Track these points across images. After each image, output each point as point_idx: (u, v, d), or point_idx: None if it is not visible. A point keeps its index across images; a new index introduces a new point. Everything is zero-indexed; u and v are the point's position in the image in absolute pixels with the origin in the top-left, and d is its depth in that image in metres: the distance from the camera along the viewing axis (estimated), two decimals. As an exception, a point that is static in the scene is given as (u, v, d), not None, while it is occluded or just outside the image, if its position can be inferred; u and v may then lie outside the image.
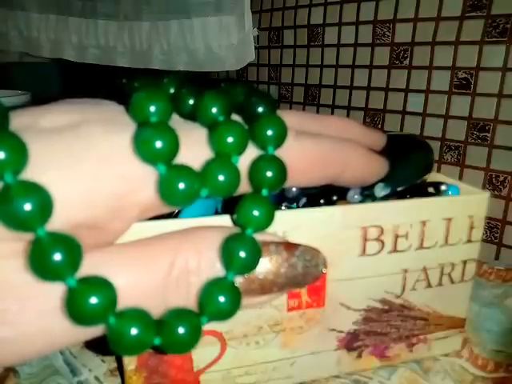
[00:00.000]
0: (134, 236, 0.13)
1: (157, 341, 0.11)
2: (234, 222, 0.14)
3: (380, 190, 0.21)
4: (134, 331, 0.11)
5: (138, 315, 0.11)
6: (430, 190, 0.22)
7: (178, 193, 0.12)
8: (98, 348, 0.24)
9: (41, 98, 0.14)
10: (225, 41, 0.63)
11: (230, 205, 0.14)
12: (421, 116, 0.52)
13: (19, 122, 0.11)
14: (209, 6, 0.64)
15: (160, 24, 0.69)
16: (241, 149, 0.13)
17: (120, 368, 0.23)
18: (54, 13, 0.80)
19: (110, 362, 0.23)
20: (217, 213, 0.21)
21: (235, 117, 0.14)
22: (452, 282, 0.22)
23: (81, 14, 0.78)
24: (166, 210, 0.13)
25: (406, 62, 0.52)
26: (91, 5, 0.76)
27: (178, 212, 0.19)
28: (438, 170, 0.51)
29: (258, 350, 0.20)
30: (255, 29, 0.61)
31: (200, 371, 0.19)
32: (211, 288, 0.12)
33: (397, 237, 0.20)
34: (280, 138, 0.13)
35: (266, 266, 0.13)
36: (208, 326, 0.18)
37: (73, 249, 0.10)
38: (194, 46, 0.67)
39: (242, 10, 0.60)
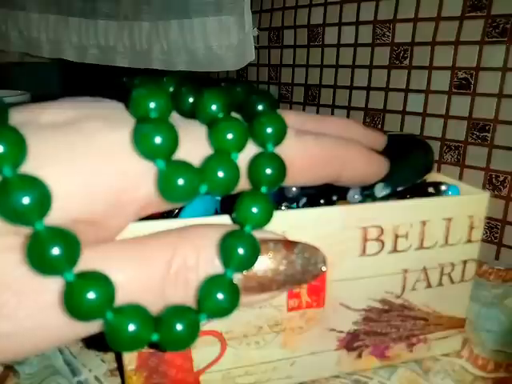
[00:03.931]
0: (133, 235, 0.13)
1: (154, 337, 0.11)
2: (233, 220, 0.14)
3: (380, 190, 0.21)
4: (131, 327, 0.11)
5: (135, 311, 0.11)
6: (430, 190, 0.22)
7: (177, 189, 0.12)
8: (97, 345, 0.24)
9: (40, 97, 0.14)
10: (225, 41, 0.63)
11: (228, 204, 0.14)
12: (421, 116, 0.52)
13: (20, 117, 0.11)
14: (209, 6, 0.64)
15: (160, 24, 0.69)
16: (240, 145, 0.13)
17: (120, 368, 0.23)
18: (54, 13, 0.80)
19: (110, 362, 0.23)
20: (217, 214, 0.21)
21: (235, 115, 0.14)
22: (452, 282, 0.22)
23: (81, 14, 0.78)
24: (166, 206, 0.13)
25: (406, 62, 0.52)
26: (91, 5, 0.76)
27: (178, 212, 0.19)
28: (438, 170, 0.51)
29: (258, 350, 0.20)
30: (255, 29, 0.61)
31: (200, 371, 0.19)
32: (210, 285, 0.12)
33: (397, 237, 0.20)
34: (279, 136, 0.13)
35: (264, 263, 0.13)
36: (208, 326, 0.18)
37: (71, 243, 0.10)
38: (194, 46, 0.67)
39: (241, 10, 0.60)
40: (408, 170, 0.22)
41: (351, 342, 0.21)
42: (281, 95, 0.68)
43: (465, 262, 0.22)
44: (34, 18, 0.82)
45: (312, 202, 0.21)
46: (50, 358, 0.24)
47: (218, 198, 0.21)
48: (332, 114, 0.62)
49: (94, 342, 0.24)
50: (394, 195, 0.21)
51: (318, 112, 0.63)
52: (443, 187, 0.22)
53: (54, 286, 0.11)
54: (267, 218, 0.13)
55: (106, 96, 0.14)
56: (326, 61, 0.61)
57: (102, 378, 0.22)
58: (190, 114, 0.13)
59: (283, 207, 0.21)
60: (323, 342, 0.21)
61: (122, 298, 0.11)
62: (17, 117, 0.11)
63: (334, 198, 0.21)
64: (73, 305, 0.10)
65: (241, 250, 0.12)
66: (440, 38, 0.49)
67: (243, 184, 0.13)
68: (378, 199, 0.21)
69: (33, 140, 0.11)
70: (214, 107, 0.13)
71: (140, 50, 0.73)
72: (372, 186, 0.20)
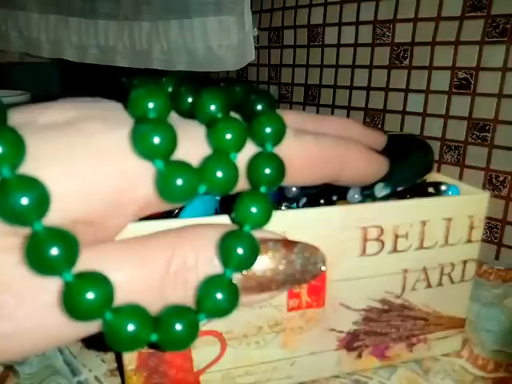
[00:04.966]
0: (133, 235, 0.13)
1: (154, 337, 0.11)
2: (232, 220, 0.14)
3: (380, 190, 0.21)
4: (130, 327, 0.11)
5: (134, 311, 0.11)
6: (430, 190, 0.22)
7: (175, 189, 0.12)
8: (97, 345, 0.24)
9: (40, 97, 0.14)
10: (225, 41, 0.63)
11: (227, 204, 0.14)
12: (421, 116, 0.52)
13: (19, 118, 0.12)
14: (209, 6, 0.64)
15: (160, 24, 0.69)
16: (239, 145, 0.13)
17: (120, 368, 0.23)
18: (54, 13, 0.80)
19: (110, 362, 0.23)
20: (216, 213, 0.21)
21: (234, 115, 0.14)
22: (452, 282, 0.22)
23: (81, 14, 0.78)
24: (165, 207, 0.13)
25: (406, 62, 0.52)
26: (91, 5, 0.76)
27: (178, 212, 0.19)
28: (438, 170, 0.51)
29: (258, 350, 0.20)
30: (255, 29, 0.61)
31: (200, 371, 0.19)
32: (209, 285, 0.12)
33: (397, 237, 0.20)
34: (278, 135, 0.13)
35: (264, 262, 0.13)
36: (208, 326, 0.18)
37: (70, 244, 0.10)
38: (194, 46, 0.67)
39: (241, 10, 0.60)
40: (408, 170, 0.22)
41: (351, 342, 0.21)
42: (281, 95, 0.68)
43: (465, 262, 0.22)
44: (34, 17, 0.82)
45: (312, 202, 0.21)
46: (50, 358, 0.24)
47: (218, 198, 0.21)
48: (332, 113, 0.62)
49: (94, 342, 0.24)
50: (394, 195, 0.21)
51: (318, 112, 0.63)
52: (443, 187, 0.22)
53: (52, 286, 0.11)
54: (266, 218, 0.13)
55: (105, 96, 0.14)
56: (326, 61, 0.61)
57: (102, 378, 0.22)
58: (189, 113, 0.13)
59: (283, 207, 0.21)
60: (323, 342, 0.21)
61: (121, 298, 0.11)
62: (16, 117, 0.11)
63: (334, 198, 0.21)
64: (72, 305, 0.10)
65: (240, 250, 0.12)
66: (440, 38, 0.49)
67: (242, 184, 0.13)
68: (378, 199, 0.21)
69: (32, 141, 0.11)
70: (212, 107, 0.13)
71: (140, 50, 0.73)
72: (372, 186, 0.20)
